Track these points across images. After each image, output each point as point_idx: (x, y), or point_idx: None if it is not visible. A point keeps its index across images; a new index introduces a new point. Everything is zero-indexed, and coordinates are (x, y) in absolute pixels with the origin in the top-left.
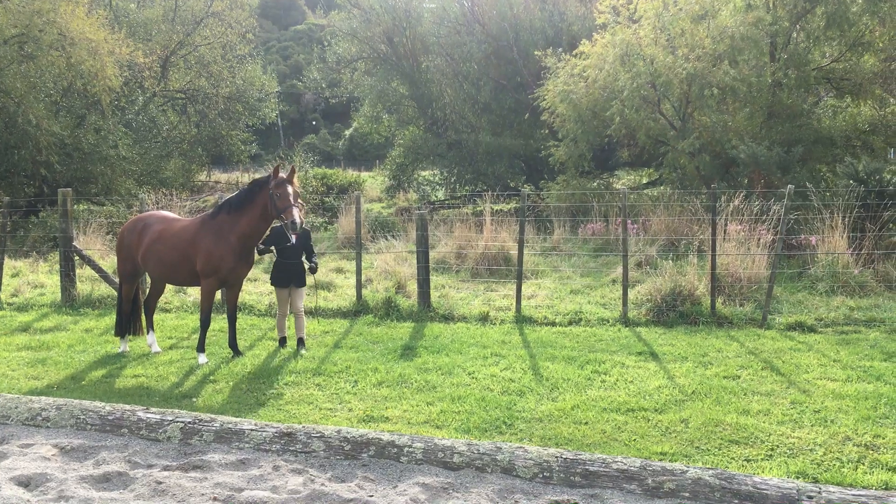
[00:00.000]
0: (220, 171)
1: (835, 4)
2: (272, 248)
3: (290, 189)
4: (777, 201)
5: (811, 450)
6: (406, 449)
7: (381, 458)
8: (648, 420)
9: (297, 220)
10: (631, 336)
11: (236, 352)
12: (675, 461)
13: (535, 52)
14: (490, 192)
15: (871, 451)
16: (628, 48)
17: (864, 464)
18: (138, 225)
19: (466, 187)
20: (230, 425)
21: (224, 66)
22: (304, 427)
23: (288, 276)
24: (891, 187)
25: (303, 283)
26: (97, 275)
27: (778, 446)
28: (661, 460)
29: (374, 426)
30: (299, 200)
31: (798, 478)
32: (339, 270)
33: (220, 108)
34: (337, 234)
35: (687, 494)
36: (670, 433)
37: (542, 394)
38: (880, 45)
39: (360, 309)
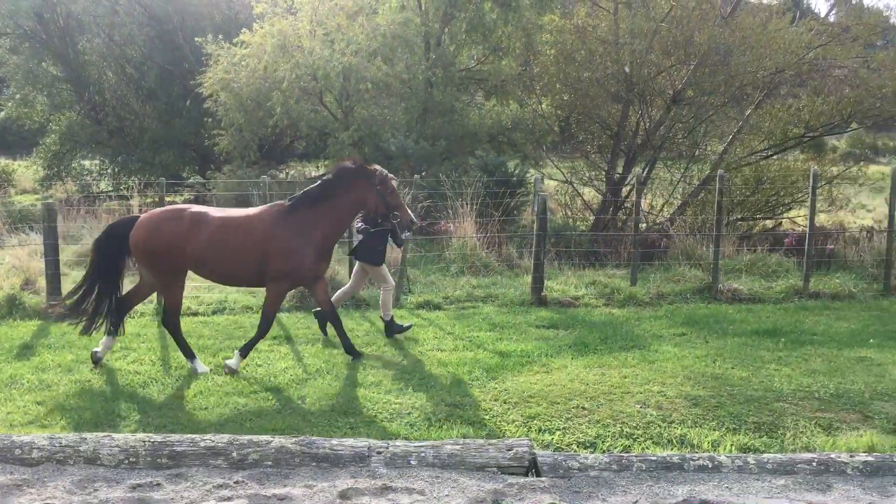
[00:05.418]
0: None
1: (473, 12)
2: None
3: (395, 185)
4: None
5: (409, 413)
6: None
7: None
8: (267, 400)
9: (415, 219)
10: None
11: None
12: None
13: (197, 39)
14: (138, 182)
15: (457, 410)
16: (286, 40)
17: (449, 421)
18: (183, 216)
19: (134, 177)
20: None
21: None
22: None
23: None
24: (514, 178)
25: None
26: None
27: (380, 413)
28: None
29: None
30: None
31: (391, 438)
32: None
33: None
34: None
35: (270, 463)
36: (286, 410)
37: (167, 384)
38: (517, 51)
39: None
